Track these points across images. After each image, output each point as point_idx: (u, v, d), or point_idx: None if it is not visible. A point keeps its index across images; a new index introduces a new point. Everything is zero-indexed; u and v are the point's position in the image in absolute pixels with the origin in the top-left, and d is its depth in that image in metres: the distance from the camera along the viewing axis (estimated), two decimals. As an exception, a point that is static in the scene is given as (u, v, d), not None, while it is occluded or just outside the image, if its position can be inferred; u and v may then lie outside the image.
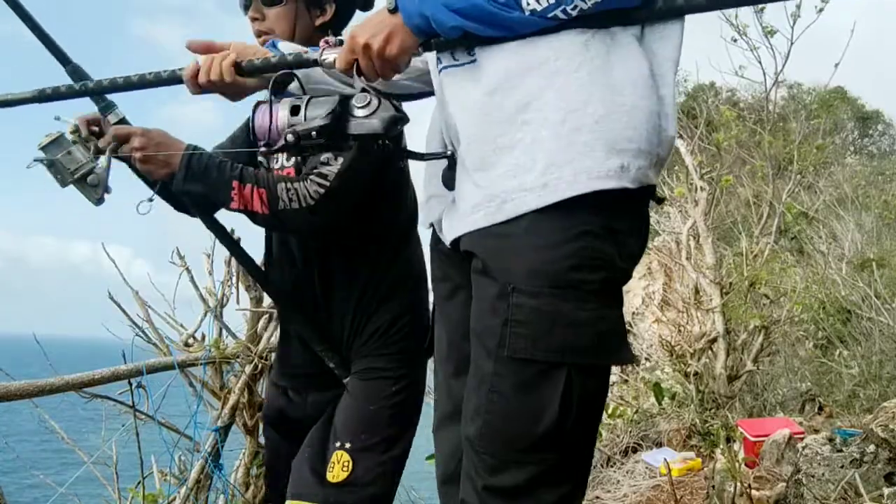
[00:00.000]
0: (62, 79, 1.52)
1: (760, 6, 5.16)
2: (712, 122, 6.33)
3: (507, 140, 1.10)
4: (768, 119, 6.16)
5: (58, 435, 2.59)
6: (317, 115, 1.17)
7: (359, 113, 1.15)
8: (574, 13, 1.05)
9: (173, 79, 1.42)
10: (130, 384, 2.40)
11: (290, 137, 1.16)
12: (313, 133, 1.15)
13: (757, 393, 5.33)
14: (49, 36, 1.52)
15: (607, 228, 1.08)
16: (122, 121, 1.57)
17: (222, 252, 2.81)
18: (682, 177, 5.55)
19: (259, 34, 1.72)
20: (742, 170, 6.84)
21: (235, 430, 2.65)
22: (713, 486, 3.07)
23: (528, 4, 1.04)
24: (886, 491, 2.45)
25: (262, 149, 1.20)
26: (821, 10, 5.19)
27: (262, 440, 2.62)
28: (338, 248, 1.70)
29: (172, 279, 2.81)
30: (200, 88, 1.41)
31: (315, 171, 1.53)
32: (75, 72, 1.53)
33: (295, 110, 1.20)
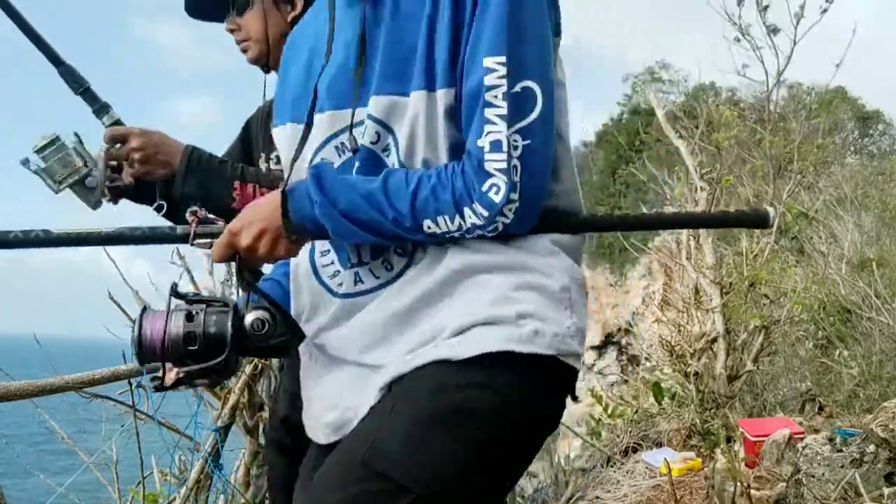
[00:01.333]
0: (54, 78, 1.51)
1: (764, 4, 5.17)
2: (713, 121, 6.32)
3: (411, 325, 1.07)
4: (769, 119, 6.16)
5: (58, 435, 2.59)
6: (213, 341, 1.09)
7: (255, 338, 1.11)
8: (471, 237, 1.03)
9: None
10: (130, 384, 2.40)
11: (182, 376, 1.14)
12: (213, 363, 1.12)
13: (757, 393, 5.32)
14: (41, 37, 1.49)
15: (517, 389, 1.02)
16: (117, 122, 1.57)
17: (222, 252, 2.81)
18: (683, 177, 5.54)
19: (239, 43, 1.73)
20: (742, 170, 6.83)
21: (235, 430, 2.65)
22: (713, 486, 3.07)
23: (429, 228, 1.02)
24: (886, 491, 2.45)
25: (154, 383, 1.15)
26: (825, 10, 5.20)
27: (262, 440, 2.62)
28: None
29: (172, 279, 2.81)
30: None
31: None
32: (68, 73, 1.51)
33: (190, 339, 1.09)
